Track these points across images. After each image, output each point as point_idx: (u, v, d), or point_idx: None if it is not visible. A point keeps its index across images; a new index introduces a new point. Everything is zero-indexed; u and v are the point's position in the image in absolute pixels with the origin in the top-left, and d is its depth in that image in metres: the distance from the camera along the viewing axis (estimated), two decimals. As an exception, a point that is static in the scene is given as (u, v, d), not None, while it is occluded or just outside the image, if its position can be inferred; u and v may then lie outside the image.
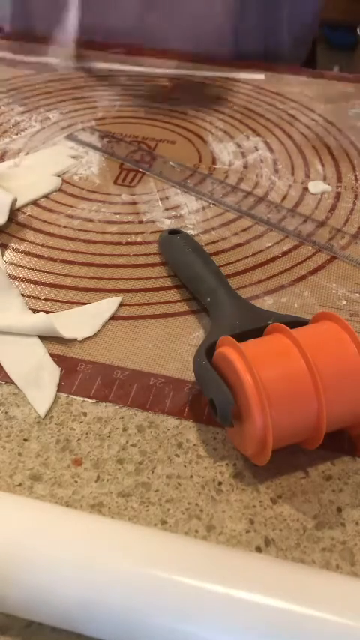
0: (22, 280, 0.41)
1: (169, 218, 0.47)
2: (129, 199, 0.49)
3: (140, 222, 0.46)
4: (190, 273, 0.40)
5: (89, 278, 0.41)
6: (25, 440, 0.32)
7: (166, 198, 0.49)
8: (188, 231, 0.45)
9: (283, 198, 0.49)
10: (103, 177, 0.51)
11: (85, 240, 0.44)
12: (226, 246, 0.44)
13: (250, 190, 0.50)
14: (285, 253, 0.44)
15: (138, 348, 0.37)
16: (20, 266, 0.42)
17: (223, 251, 0.44)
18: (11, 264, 0.42)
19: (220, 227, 0.46)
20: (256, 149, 0.55)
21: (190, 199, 0.49)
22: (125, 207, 0.48)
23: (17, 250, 0.43)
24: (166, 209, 0.48)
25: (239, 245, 0.44)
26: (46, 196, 0.49)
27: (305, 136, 0.57)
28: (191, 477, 0.31)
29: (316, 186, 0.50)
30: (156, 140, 0.56)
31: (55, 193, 0.49)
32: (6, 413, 0.33)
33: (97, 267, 0.42)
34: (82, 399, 0.34)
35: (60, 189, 0.49)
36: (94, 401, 0.34)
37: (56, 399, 0.34)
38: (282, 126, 0.59)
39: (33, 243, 0.44)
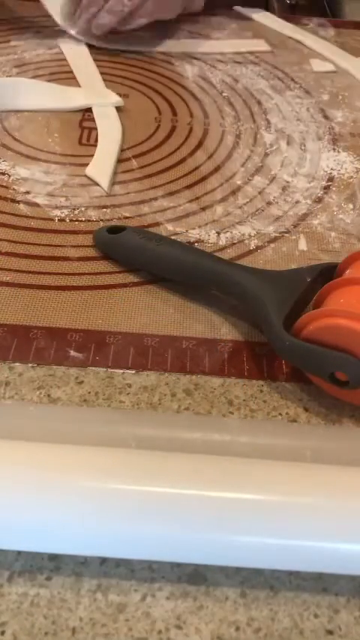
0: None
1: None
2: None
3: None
4: (185, 268, 0.37)
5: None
6: (76, 420, 0.31)
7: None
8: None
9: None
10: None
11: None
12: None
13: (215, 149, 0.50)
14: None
15: (160, 313, 0.36)
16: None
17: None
18: None
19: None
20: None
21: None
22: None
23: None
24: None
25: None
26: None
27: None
28: (249, 431, 0.32)
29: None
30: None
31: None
32: (49, 395, 0.32)
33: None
34: (121, 370, 0.33)
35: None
36: (134, 371, 0.34)
37: (95, 373, 0.33)
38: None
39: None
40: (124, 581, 0.26)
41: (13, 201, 0.43)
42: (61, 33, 0.61)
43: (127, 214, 0.43)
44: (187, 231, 0.42)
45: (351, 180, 0.47)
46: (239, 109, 0.54)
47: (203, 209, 0.43)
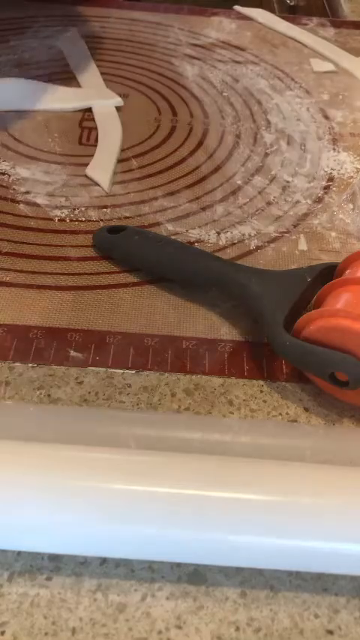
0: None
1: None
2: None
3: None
4: (185, 268, 0.37)
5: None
6: (76, 420, 0.31)
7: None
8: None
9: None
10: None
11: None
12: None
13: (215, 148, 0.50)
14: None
15: (160, 313, 0.36)
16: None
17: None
18: None
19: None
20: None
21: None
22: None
23: None
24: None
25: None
26: None
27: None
28: (249, 430, 0.32)
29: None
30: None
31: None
32: (49, 395, 0.32)
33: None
34: (121, 370, 0.33)
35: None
36: (134, 371, 0.34)
37: (95, 373, 0.33)
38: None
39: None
40: (124, 581, 0.26)
41: (13, 201, 0.43)
42: (61, 33, 0.61)
43: (127, 214, 0.43)
44: (187, 231, 0.42)
45: (351, 180, 0.47)
46: (239, 109, 0.54)
47: (203, 209, 0.43)
